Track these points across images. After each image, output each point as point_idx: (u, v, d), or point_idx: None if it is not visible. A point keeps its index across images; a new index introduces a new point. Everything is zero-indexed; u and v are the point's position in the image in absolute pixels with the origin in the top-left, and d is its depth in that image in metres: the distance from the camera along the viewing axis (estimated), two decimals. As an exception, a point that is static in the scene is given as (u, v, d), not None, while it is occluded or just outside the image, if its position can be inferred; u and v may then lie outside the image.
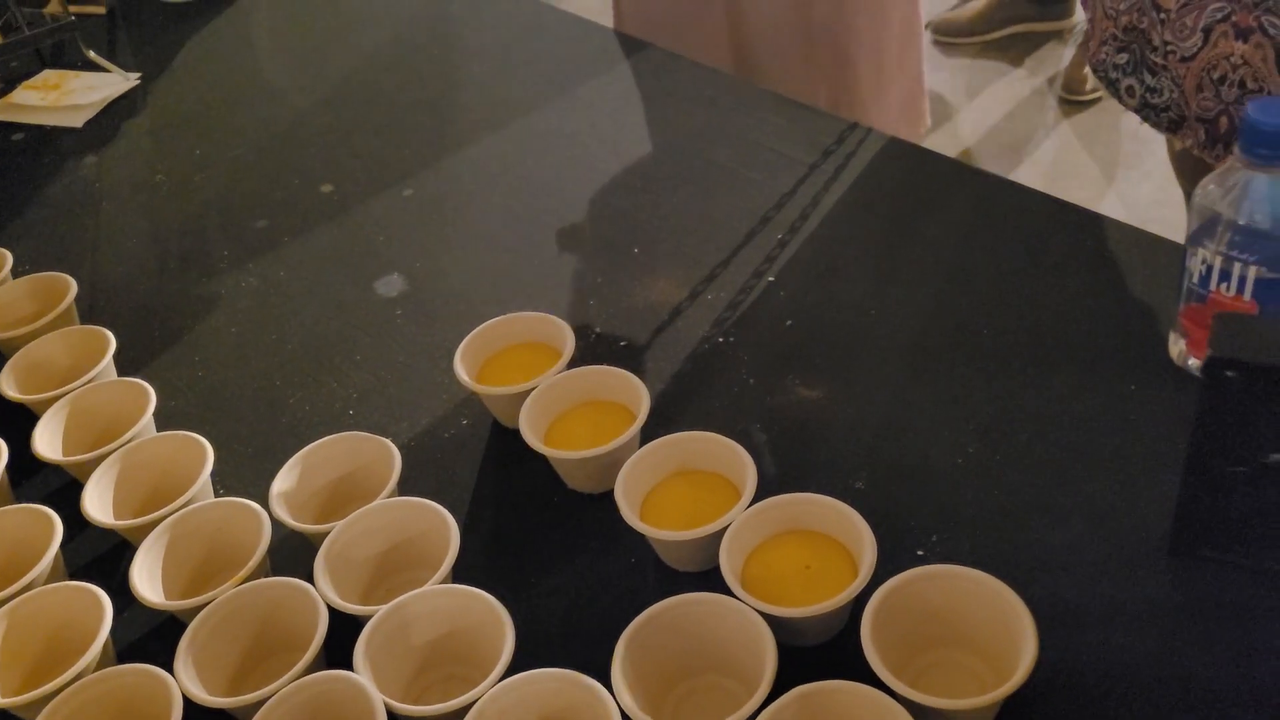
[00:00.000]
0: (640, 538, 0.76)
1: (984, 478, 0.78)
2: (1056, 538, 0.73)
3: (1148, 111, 1.02)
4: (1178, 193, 1.27)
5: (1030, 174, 2.30)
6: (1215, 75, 0.92)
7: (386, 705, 0.65)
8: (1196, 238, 0.75)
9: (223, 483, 0.87)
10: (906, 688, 0.61)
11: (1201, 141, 0.97)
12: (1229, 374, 0.55)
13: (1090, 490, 0.75)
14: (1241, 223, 0.72)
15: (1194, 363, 0.81)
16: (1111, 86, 1.06)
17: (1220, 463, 0.61)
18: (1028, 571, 0.69)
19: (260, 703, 0.66)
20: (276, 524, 0.78)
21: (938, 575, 0.66)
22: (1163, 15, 0.94)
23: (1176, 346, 0.82)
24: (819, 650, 0.70)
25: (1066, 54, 2.65)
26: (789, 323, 0.92)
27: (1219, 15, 0.90)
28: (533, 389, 0.83)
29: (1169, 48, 0.94)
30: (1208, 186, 0.74)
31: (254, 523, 0.77)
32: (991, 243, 0.96)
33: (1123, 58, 1.01)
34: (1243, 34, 0.89)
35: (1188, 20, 0.92)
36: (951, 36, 2.76)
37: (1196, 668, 0.65)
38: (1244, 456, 0.60)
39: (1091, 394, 0.82)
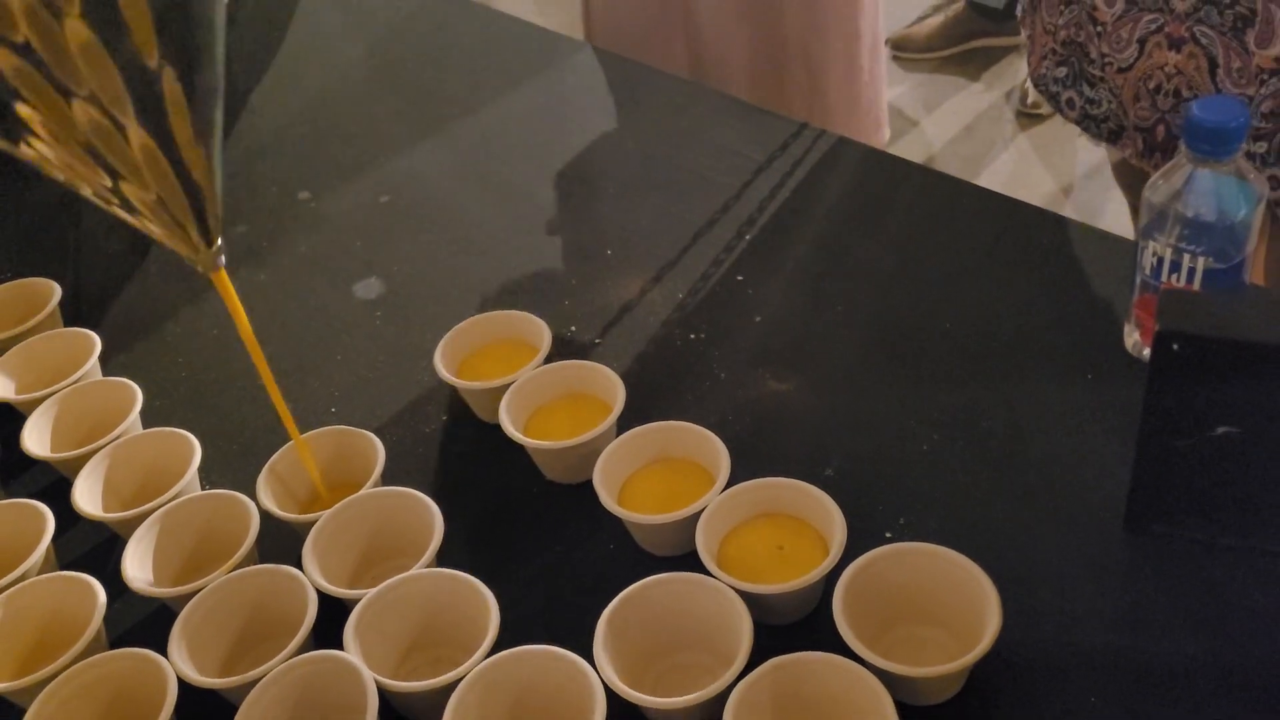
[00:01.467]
0: (618, 525, 0.79)
1: (948, 463, 0.81)
2: (1018, 518, 0.76)
3: (1088, 123, 1.05)
4: (1131, 201, 1.31)
5: (989, 185, 2.33)
6: (1151, 85, 0.96)
7: (376, 683, 0.67)
8: (1148, 231, 0.78)
9: (209, 479, 0.89)
10: (878, 658, 0.64)
11: (1140, 150, 1.01)
12: (1174, 347, 0.59)
13: (1050, 474, 0.79)
14: (1189, 216, 0.76)
15: (1148, 352, 0.84)
16: (1053, 99, 1.09)
17: (1170, 437, 0.64)
18: (991, 550, 0.72)
19: (253, 683, 0.68)
20: (263, 515, 0.80)
21: (906, 552, 0.70)
22: (1099, 28, 0.97)
23: (1131, 337, 0.86)
24: (792, 629, 0.73)
25: (1024, 68, 2.70)
26: (758, 319, 0.95)
27: (1153, 27, 0.94)
28: (511, 383, 0.86)
29: (1106, 59, 0.98)
30: (1157, 183, 0.77)
31: (242, 513, 0.80)
32: (951, 241, 1.00)
33: (1062, 71, 1.04)
34: (1175, 44, 0.93)
35: (1123, 32, 0.96)
36: (910, 52, 2.81)
37: (1152, 636, 0.68)
38: (1193, 430, 0.63)
39: (1050, 384, 0.85)
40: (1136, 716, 0.65)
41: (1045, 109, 2.56)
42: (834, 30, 1.43)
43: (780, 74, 1.43)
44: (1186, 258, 0.76)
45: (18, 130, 0.61)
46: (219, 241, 0.70)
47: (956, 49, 2.80)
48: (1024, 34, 1.15)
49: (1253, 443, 0.63)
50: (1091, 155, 2.42)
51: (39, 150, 0.62)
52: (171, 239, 0.68)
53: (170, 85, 0.61)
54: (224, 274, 0.73)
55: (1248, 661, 0.66)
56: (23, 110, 0.60)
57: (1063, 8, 1.02)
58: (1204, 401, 0.62)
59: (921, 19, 2.90)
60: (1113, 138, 1.02)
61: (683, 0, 1.43)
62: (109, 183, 0.64)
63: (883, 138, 1.53)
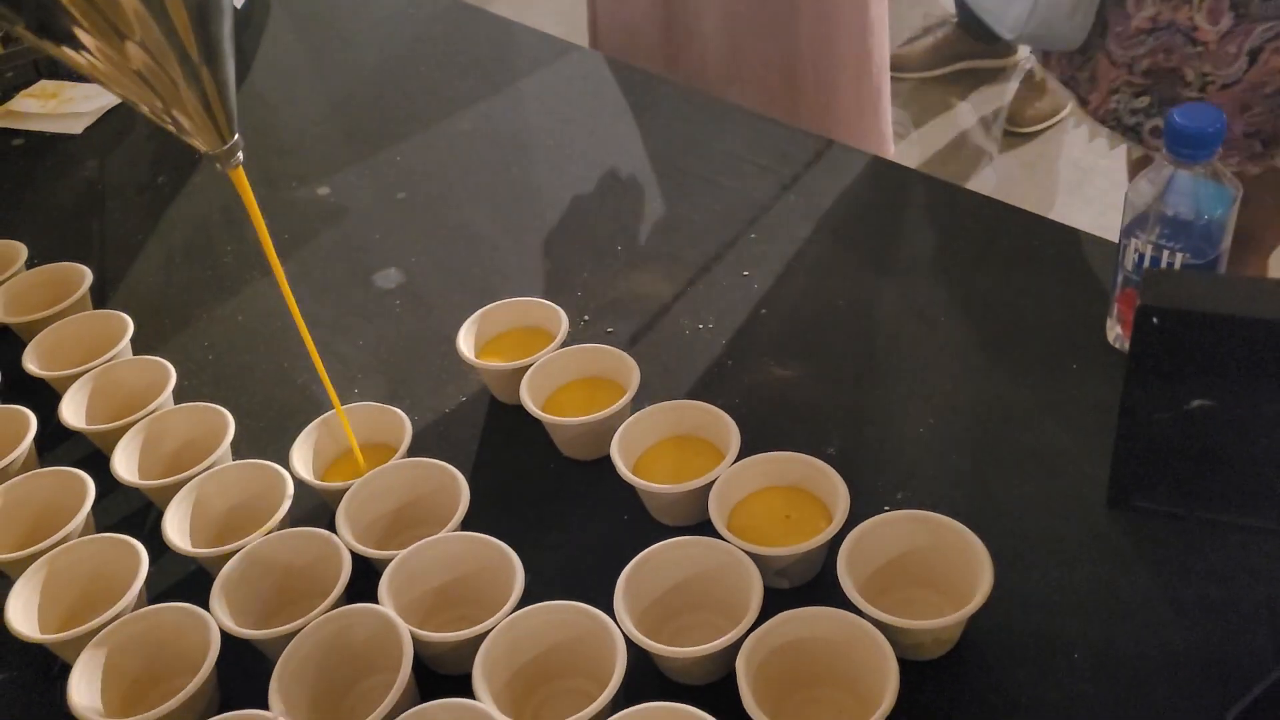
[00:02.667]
0: (632, 497, 0.83)
1: (943, 444, 0.86)
2: (1008, 495, 0.82)
3: None
4: (1114, 218, 1.36)
5: (976, 201, 2.41)
6: (1266, 91, 0.99)
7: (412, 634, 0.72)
8: (1130, 230, 0.84)
9: (238, 454, 0.93)
10: (879, 612, 0.69)
11: (1256, 152, 1.04)
12: (1154, 320, 0.64)
13: (1038, 454, 0.84)
14: (1169, 215, 0.81)
15: (1129, 344, 0.89)
16: (1131, 132, 1.11)
17: (1149, 411, 0.69)
18: (982, 523, 0.77)
19: (292, 635, 0.73)
20: (296, 484, 0.84)
21: (904, 519, 0.75)
22: (1199, 49, 1.00)
23: (1113, 330, 0.91)
24: (798, 594, 0.77)
25: (1010, 89, 2.77)
26: (763, 312, 1.01)
27: (1270, 34, 0.97)
28: (531, 365, 0.91)
29: (1208, 79, 1.00)
30: (1140, 184, 0.83)
31: (276, 481, 0.84)
32: (946, 241, 1.05)
33: (1143, 101, 1.06)
34: None
35: (1230, 48, 0.98)
36: (902, 71, 2.88)
37: (1131, 602, 0.74)
38: (1171, 404, 0.68)
39: (1038, 373, 0.90)
40: (1115, 670, 0.70)
41: (1031, 127, 2.63)
42: (845, 45, 1.48)
43: (790, 89, 1.48)
44: (1165, 254, 0.82)
45: (75, 44, 0.66)
46: (236, 136, 0.75)
47: (946, 69, 2.87)
48: (1026, 56, 1.17)
49: (1226, 416, 0.68)
50: (1075, 173, 2.49)
51: (93, 63, 0.68)
52: (204, 145, 0.75)
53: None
54: (241, 171, 0.78)
55: (1218, 626, 0.72)
56: (80, 33, 0.65)
57: (1143, 37, 1.04)
58: (1181, 374, 0.67)
59: (912, 40, 2.96)
60: None
61: (686, 19, 1.48)
62: (161, 104, 0.70)
63: (888, 150, 1.58)
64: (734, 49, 1.44)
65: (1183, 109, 0.79)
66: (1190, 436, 0.70)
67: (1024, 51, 2.80)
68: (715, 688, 0.73)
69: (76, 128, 1.43)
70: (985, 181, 2.52)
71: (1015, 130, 2.65)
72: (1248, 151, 1.04)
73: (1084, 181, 2.43)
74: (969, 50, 2.86)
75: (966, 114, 2.76)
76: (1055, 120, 2.66)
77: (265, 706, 0.70)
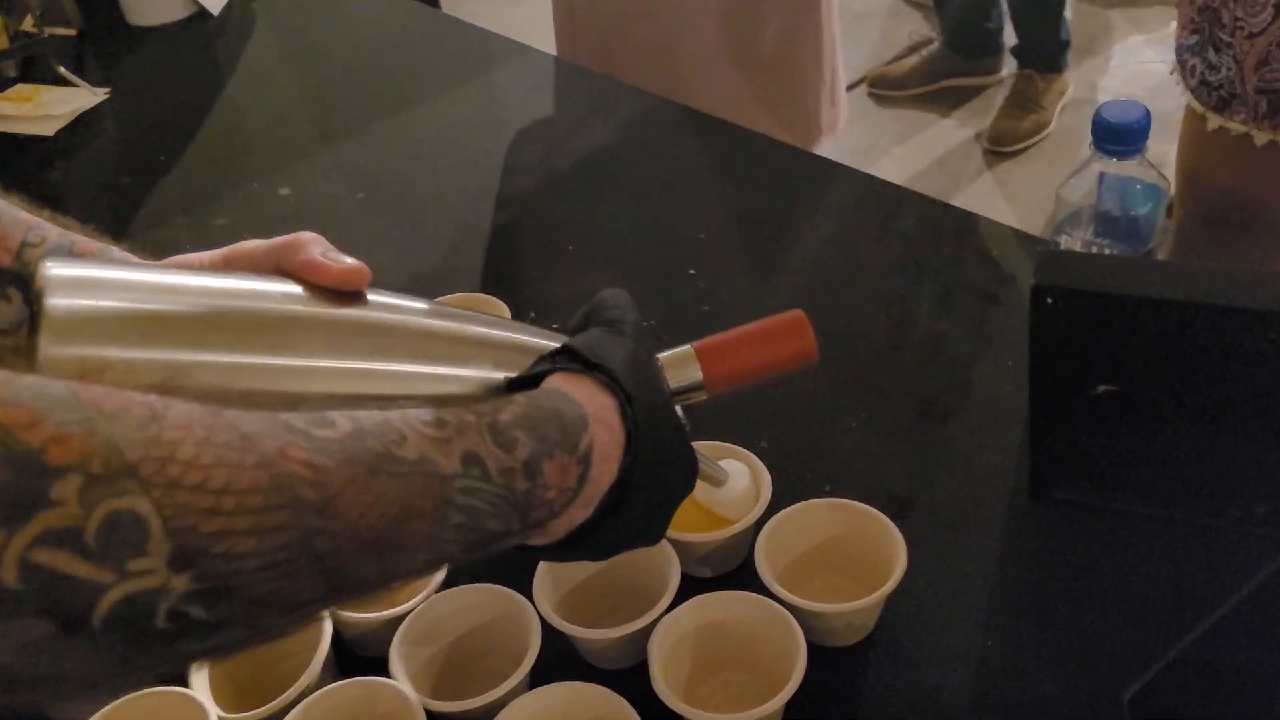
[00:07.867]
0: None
1: (871, 442, 0.87)
2: (934, 487, 0.83)
3: (1201, 89, 1.06)
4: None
5: (956, 217, 2.42)
6: None
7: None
8: (1060, 228, 0.85)
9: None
10: (792, 595, 0.69)
11: (1262, 113, 1.02)
12: (1049, 301, 0.65)
13: (967, 449, 0.85)
14: (1100, 211, 0.82)
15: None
16: (1181, 68, 1.10)
17: (1058, 398, 0.70)
18: (906, 513, 0.78)
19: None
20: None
21: (824, 507, 0.75)
22: None
23: (1047, 329, 0.92)
24: (722, 581, 0.78)
25: (993, 107, 2.79)
26: (705, 309, 1.02)
27: None
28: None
29: (1238, 24, 0.99)
30: (1070, 181, 0.84)
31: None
32: (882, 242, 1.07)
33: (1194, 39, 1.05)
34: None
35: None
36: (886, 89, 2.90)
37: (1041, 583, 0.75)
38: (1077, 389, 0.69)
39: (970, 370, 0.91)
40: (1024, 658, 0.71)
41: (1012, 146, 2.65)
42: (806, 48, 1.49)
43: (751, 90, 1.49)
44: (1095, 249, 0.82)
45: None
46: None
47: (930, 87, 2.89)
48: (1010, 71, 1.16)
49: (1132, 401, 0.69)
50: (1048, 191, 2.50)
51: None
52: None
53: None
54: None
55: (1124, 613, 0.72)
56: None
57: None
58: (1084, 359, 0.68)
59: (898, 58, 2.98)
60: (1220, 106, 1.04)
61: (667, 43, 1.49)
62: None
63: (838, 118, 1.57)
64: (691, 59, 1.45)
65: (1110, 105, 0.80)
66: (1101, 425, 0.71)
67: (1007, 69, 2.82)
68: (634, 672, 0.73)
69: (49, 130, 1.44)
70: (965, 198, 2.53)
71: (997, 149, 2.67)
72: (1255, 110, 1.02)
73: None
74: (954, 69, 2.87)
75: (950, 131, 2.77)
76: (1037, 139, 2.68)
77: None
